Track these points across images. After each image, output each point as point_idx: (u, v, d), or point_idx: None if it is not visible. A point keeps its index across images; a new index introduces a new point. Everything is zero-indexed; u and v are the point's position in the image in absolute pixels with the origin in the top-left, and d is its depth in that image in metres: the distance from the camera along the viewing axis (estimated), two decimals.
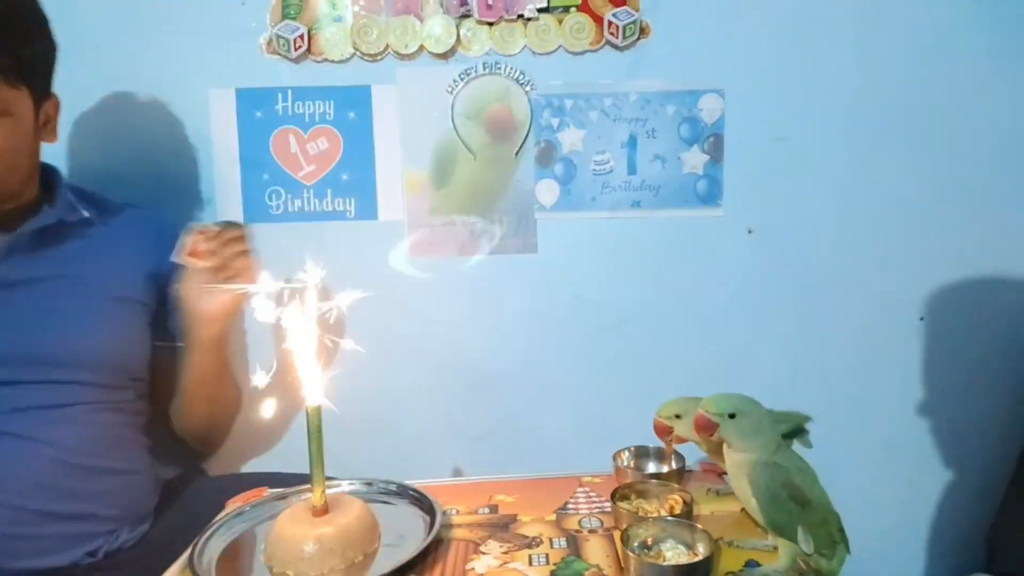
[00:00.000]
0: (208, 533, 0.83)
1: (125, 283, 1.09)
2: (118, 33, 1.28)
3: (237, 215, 1.33)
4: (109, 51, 1.28)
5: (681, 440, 0.90)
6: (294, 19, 1.28)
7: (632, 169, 1.33)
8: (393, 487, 0.93)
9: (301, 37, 1.28)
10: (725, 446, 0.79)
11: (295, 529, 0.77)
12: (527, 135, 1.33)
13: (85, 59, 1.27)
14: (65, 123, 1.28)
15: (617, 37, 1.29)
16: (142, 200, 1.30)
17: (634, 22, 1.28)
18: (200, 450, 1.27)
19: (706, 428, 0.77)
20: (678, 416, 0.89)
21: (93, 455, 1.01)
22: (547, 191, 1.34)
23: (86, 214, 1.07)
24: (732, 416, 0.75)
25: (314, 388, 0.78)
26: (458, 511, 0.91)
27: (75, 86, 1.27)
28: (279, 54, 1.29)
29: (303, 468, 1.32)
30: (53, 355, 0.98)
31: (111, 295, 1.07)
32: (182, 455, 1.26)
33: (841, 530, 0.76)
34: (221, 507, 0.93)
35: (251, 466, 1.39)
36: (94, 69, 1.28)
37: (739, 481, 0.77)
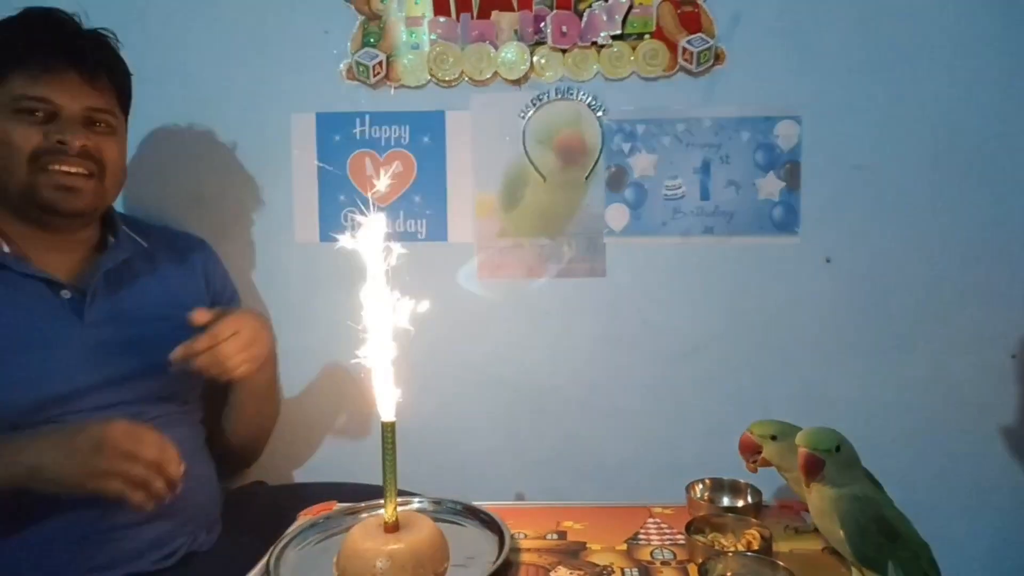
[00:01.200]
0: (283, 543, 0.85)
1: (190, 307, 1.13)
2: (208, 61, 1.35)
3: (313, 234, 1.37)
4: (199, 78, 1.35)
5: (766, 463, 0.87)
6: (374, 46, 1.32)
7: (705, 195, 1.32)
8: (461, 507, 0.93)
9: (380, 64, 1.32)
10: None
11: (367, 544, 0.78)
12: (598, 159, 1.33)
13: (176, 85, 1.35)
14: (156, 145, 1.36)
15: (691, 63, 1.28)
16: (224, 220, 1.37)
17: (709, 48, 1.28)
18: (242, 460, 1.32)
19: (815, 468, 0.73)
20: (773, 438, 0.85)
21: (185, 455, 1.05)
22: (617, 215, 1.34)
23: (144, 244, 1.14)
24: (838, 449, 0.73)
25: (388, 404, 0.79)
26: (526, 535, 0.90)
27: (166, 111, 1.35)
28: (358, 80, 1.33)
29: (357, 479, 1.36)
30: (142, 383, 1.04)
31: (182, 321, 1.11)
32: (226, 467, 1.28)
33: (933, 563, 0.72)
34: (285, 517, 0.95)
35: (305, 476, 1.42)
36: (184, 95, 1.35)
37: (826, 515, 0.74)
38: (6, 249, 0.98)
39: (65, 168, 0.98)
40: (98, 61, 1.02)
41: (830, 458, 0.74)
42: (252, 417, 1.23)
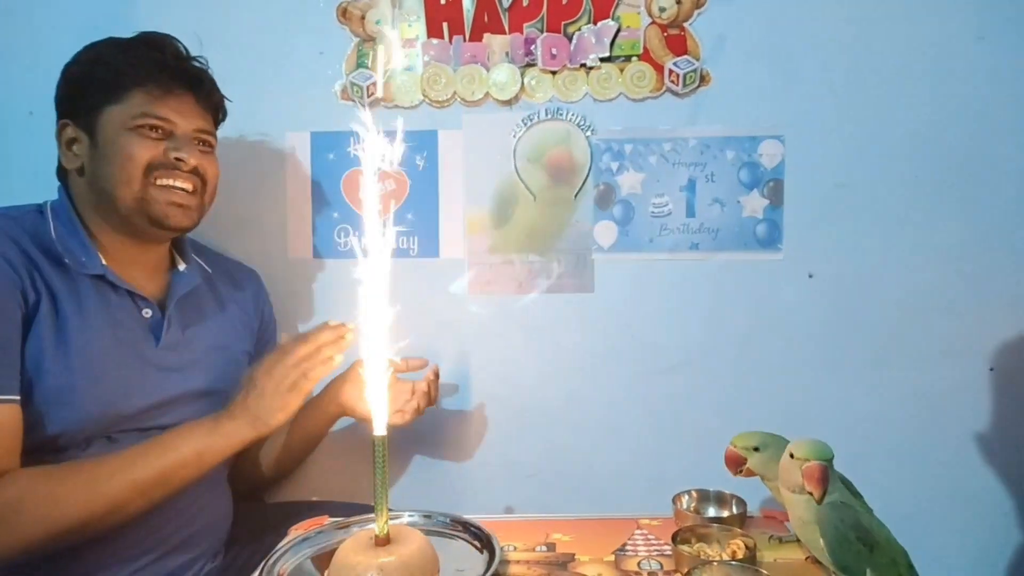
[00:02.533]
0: (274, 558, 0.86)
1: (245, 338, 1.20)
2: None
3: (307, 251, 1.39)
4: None
5: (751, 474, 0.89)
6: (368, 68, 1.35)
7: (691, 212, 1.35)
8: (451, 521, 0.94)
9: (374, 84, 1.35)
10: (788, 485, 0.78)
11: (358, 557, 0.79)
12: (586, 178, 1.36)
13: None
14: None
15: (677, 85, 1.32)
16: (220, 236, 1.38)
17: (694, 70, 1.31)
18: (259, 490, 1.34)
19: (824, 479, 0.75)
20: (756, 449, 0.87)
21: (204, 491, 1.07)
22: (605, 232, 1.36)
23: (208, 269, 1.18)
24: (831, 460, 0.75)
25: (380, 419, 0.81)
26: (515, 548, 0.91)
27: None
28: (352, 100, 1.36)
29: (351, 498, 1.36)
30: (189, 408, 1.06)
31: (241, 350, 1.19)
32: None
33: (911, 568, 0.74)
34: (282, 534, 0.96)
35: (301, 495, 1.42)
36: None
37: (807, 525, 0.76)
38: (104, 261, 1.01)
39: (179, 184, 1.03)
40: (211, 86, 1.09)
41: (831, 468, 0.76)
42: (300, 454, 1.31)
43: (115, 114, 1.00)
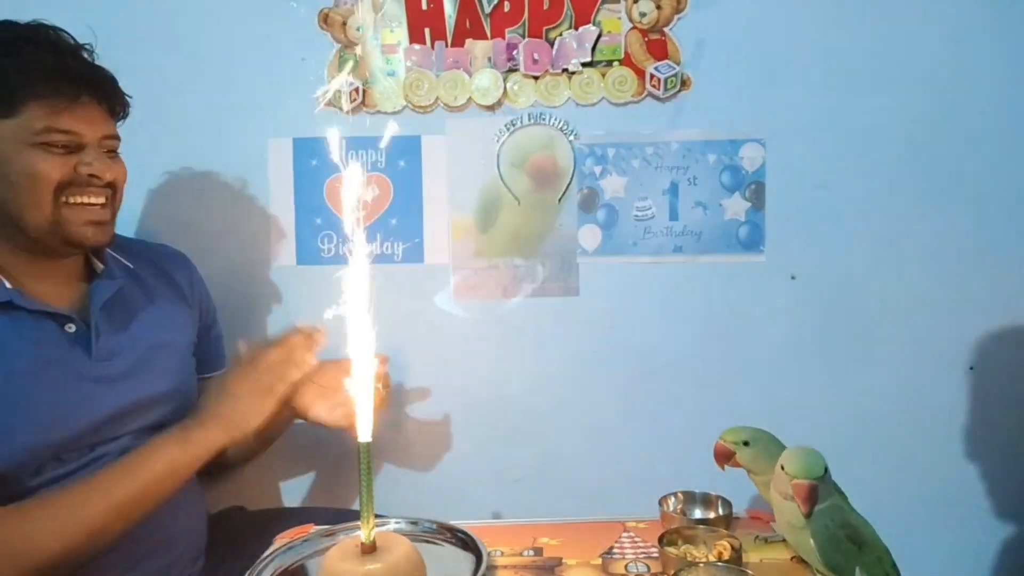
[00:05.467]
0: (259, 567, 0.85)
1: (186, 329, 1.15)
2: (186, 86, 1.36)
3: (290, 258, 1.38)
4: (177, 103, 1.36)
5: (738, 465, 0.90)
6: (350, 74, 1.35)
7: (674, 215, 1.36)
8: (438, 527, 0.93)
9: (356, 90, 1.35)
10: (779, 490, 0.78)
11: (344, 566, 0.78)
12: (570, 182, 1.36)
13: (153, 111, 1.34)
14: (133, 168, 1.36)
15: (659, 89, 1.33)
16: (201, 243, 1.37)
17: (675, 75, 1.33)
18: (223, 474, 1.31)
19: (811, 498, 0.74)
20: (746, 443, 0.88)
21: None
22: (589, 236, 1.37)
23: (130, 265, 1.11)
24: (825, 471, 0.75)
25: (365, 425, 0.80)
26: (503, 552, 0.91)
27: (144, 134, 1.35)
28: (335, 106, 1.35)
29: (336, 504, 1.36)
30: (141, 414, 1.03)
31: (184, 343, 1.14)
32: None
33: (894, 566, 0.75)
34: (266, 542, 0.95)
35: (284, 501, 1.42)
36: (163, 120, 1.35)
37: (796, 528, 0.76)
38: (8, 285, 0.94)
39: (92, 201, 0.95)
40: (112, 86, 1.00)
41: (820, 483, 0.76)
42: (253, 454, 1.27)
43: (9, 129, 0.90)
